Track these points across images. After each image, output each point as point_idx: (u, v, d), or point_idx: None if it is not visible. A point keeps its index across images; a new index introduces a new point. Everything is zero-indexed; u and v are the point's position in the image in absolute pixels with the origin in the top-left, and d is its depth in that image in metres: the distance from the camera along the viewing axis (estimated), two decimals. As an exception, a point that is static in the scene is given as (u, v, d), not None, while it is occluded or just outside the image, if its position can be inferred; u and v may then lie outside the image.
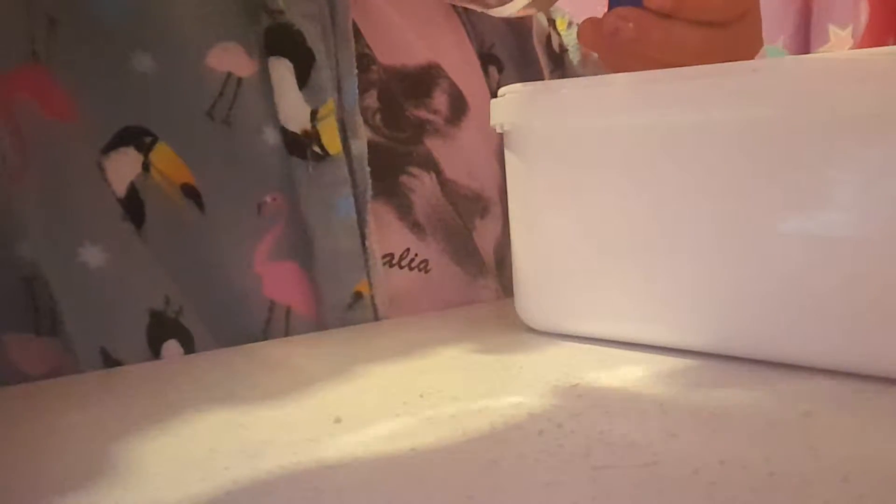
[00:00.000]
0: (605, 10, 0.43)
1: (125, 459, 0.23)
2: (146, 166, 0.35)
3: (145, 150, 0.35)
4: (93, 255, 0.33)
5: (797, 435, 0.23)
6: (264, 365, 0.33)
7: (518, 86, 0.34)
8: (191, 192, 0.36)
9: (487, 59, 0.50)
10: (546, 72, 0.53)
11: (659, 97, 0.30)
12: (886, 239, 0.26)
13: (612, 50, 0.42)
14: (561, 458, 0.21)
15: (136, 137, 0.35)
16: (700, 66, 0.29)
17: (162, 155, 0.35)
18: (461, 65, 0.47)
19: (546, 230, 0.34)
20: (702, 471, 0.20)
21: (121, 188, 0.35)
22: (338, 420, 0.25)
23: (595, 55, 0.60)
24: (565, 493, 0.19)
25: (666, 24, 0.40)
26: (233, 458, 0.22)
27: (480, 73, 0.49)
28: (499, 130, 0.35)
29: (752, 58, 0.44)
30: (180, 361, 0.34)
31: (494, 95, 0.49)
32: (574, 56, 0.58)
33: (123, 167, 0.35)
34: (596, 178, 0.32)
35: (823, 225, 0.27)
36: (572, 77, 0.57)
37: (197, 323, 0.35)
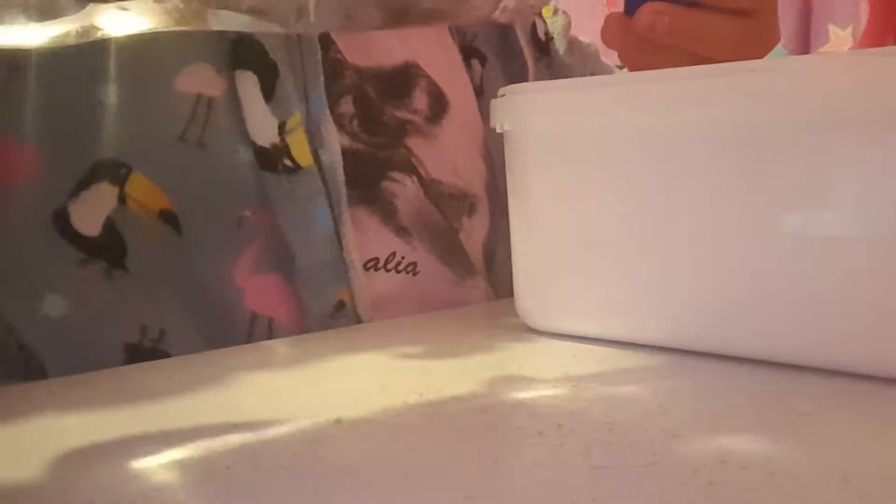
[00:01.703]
0: (606, 5, 0.43)
1: (123, 460, 0.23)
2: (122, 198, 0.35)
3: (120, 181, 0.35)
4: (54, 306, 0.34)
5: (797, 435, 0.23)
6: (262, 365, 0.33)
7: (518, 86, 0.34)
8: (169, 218, 0.36)
9: (469, 53, 0.49)
10: (531, 61, 0.53)
11: (659, 97, 0.30)
12: (886, 239, 0.26)
13: (641, 47, 0.42)
14: (561, 458, 0.21)
15: (111, 171, 0.35)
16: (700, 66, 0.30)
17: (137, 185, 0.35)
18: (441, 61, 0.46)
19: (546, 230, 0.34)
20: (702, 471, 0.20)
21: (94, 226, 0.34)
22: (338, 420, 0.25)
23: (587, 42, 0.60)
24: (565, 493, 0.19)
25: (696, 14, 0.40)
26: (233, 459, 0.22)
27: (462, 67, 0.48)
28: (499, 130, 0.35)
29: (770, 50, 0.44)
30: (175, 362, 0.34)
31: (477, 89, 0.49)
32: (560, 44, 0.57)
33: (98, 204, 0.34)
34: (596, 178, 0.32)
35: (823, 225, 0.27)
36: (558, 65, 0.56)
37: (183, 343, 0.35)
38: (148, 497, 0.20)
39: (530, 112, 0.33)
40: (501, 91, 0.34)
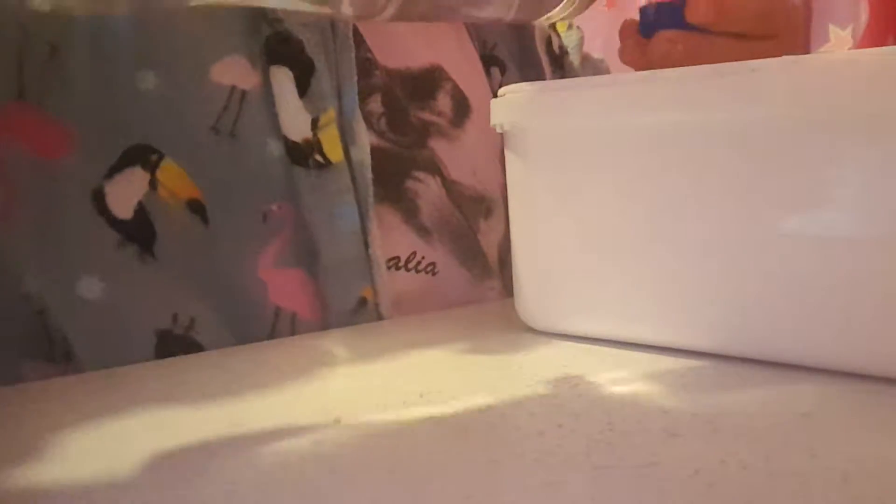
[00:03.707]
0: (606, 6, 0.44)
1: (125, 460, 0.23)
2: (153, 184, 0.35)
3: (152, 167, 0.35)
4: (90, 287, 0.34)
5: (797, 435, 0.23)
6: (264, 365, 0.33)
7: (518, 86, 0.34)
8: (196, 207, 0.36)
9: (490, 61, 0.50)
10: (547, 73, 0.54)
11: (659, 97, 0.30)
12: (886, 239, 0.26)
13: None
14: (561, 458, 0.21)
15: (143, 156, 0.35)
16: (700, 66, 0.29)
17: (168, 172, 0.35)
18: (463, 66, 0.47)
19: (546, 230, 0.34)
20: (702, 471, 0.20)
21: (127, 209, 0.35)
22: (338, 420, 0.25)
23: (599, 59, 0.61)
24: (565, 493, 0.19)
25: (709, 40, 0.41)
26: (233, 458, 0.22)
27: (483, 74, 0.49)
28: (499, 130, 0.35)
29: None
30: (181, 362, 0.34)
31: (496, 95, 0.49)
32: (574, 58, 0.58)
33: (130, 187, 0.35)
34: (596, 178, 0.32)
35: (823, 225, 0.27)
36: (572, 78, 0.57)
37: (209, 333, 0.36)
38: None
39: (530, 112, 0.33)
40: (501, 91, 0.35)
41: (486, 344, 0.34)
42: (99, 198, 0.34)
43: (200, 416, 0.26)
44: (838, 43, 1.25)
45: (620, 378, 0.28)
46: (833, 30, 1.27)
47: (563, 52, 0.57)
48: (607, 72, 0.61)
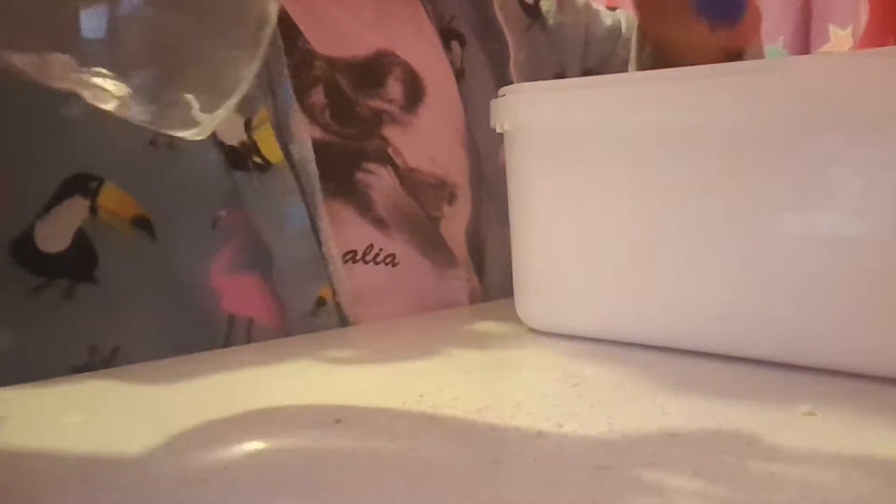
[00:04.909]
0: (606, 4, 0.44)
1: (123, 460, 0.23)
2: (94, 209, 0.34)
3: (92, 195, 0.34)
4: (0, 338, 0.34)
5: (797, 435, 0.23)
6: (261, 367, 0.33)
7: (518, 86, 0.34)
8: (142, 223, 0.35)
9: (448, 34, 0.49)
10: (511, 37, 0.51)
11: (659, 97, 0.30)
12: (887, 238, 0.26)
13: None
14: (561, 458, 0.21)
15: (82, 185, 0.34)
16: (700, 66, 0.30)
17: (110, 195, 0.35)
18: (418, 46, 0.46)
19: (546, 230, 0.34)
20: (702, 471, 0.20)
21: (63, 241, 0.34)
22: (338, 420, 0.25)
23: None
24: (565, 493, 0.19)
25: None
26: (233, 459, 0.22)
27: (440, 51, 0.47)
28: (499, 130, 0.35)
29: None
30: (176, 363, 0.34)
31: (458, 72, 0.48)
32: (549, 4, 0.56)
33: (69, 218, 0.34)
34: (596, 178, 0.32)
35: (824, 225, 0.27)
36: (552, 26, 0.56)
37: (145, 353, 0.34)
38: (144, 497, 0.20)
39: (530, 112, 0.33)
40: (502, 91, 0.35)
41: (485, 344, 0.34)
42: (23, 244, 0.34)
43: (197, 416, 0.26)
44: (838, 43, 1.25)
45: (620, 378, 0.28)
46: (833, 30, 1.27)
47: (537, 1, 0.56)
48: (588, 7, 0.59)
